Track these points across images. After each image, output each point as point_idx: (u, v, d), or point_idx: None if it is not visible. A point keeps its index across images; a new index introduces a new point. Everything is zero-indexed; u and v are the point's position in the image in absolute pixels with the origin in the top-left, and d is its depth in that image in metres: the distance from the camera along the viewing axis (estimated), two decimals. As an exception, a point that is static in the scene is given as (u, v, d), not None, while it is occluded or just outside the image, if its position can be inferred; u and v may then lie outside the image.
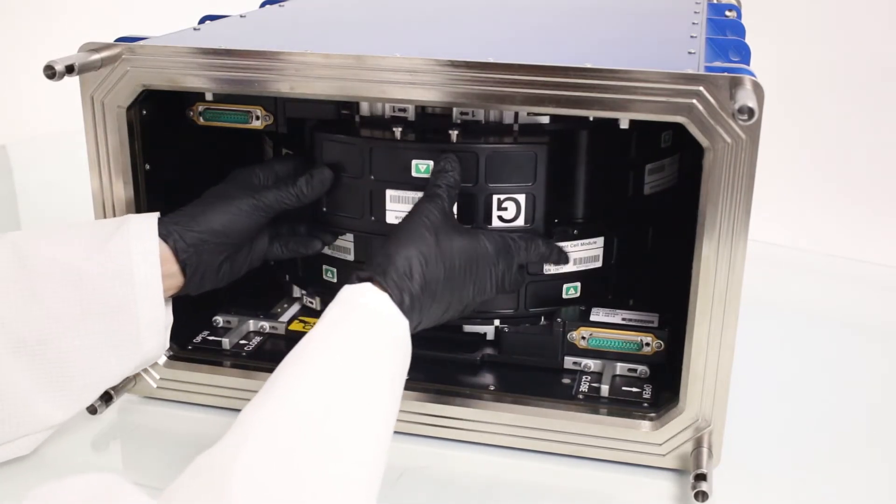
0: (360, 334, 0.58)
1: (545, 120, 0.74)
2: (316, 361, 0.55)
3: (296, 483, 0.47)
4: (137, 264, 0.65)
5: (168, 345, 0.70)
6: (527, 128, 0.74)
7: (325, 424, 0.51)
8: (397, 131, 0.74)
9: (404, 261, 0.63)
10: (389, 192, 0.75)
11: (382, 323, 0.60)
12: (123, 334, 0.65)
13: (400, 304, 0.61)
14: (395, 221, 0.73)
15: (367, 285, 0.61)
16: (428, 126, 0.75)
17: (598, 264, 0.79)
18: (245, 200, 0.72)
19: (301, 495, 0.47)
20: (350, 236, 0.79)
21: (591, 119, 0.74)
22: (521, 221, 0.75)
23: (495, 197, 0.74)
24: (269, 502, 0.46)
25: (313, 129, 0.77)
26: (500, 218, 0.74)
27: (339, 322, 0.59)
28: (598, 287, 0.80)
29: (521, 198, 0.74)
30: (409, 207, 0.71)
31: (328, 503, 0.48)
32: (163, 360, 0.77)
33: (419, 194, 0.71)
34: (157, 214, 0.69)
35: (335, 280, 0.82)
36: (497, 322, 0.80)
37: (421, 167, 0.73)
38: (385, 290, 0.61)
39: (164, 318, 0.67)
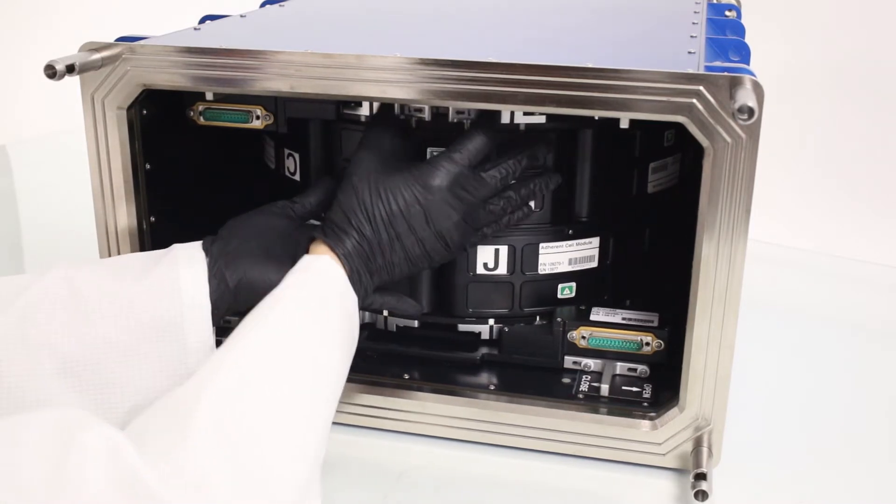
0: (314, 295, 0.64)
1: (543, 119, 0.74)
2: (273, 317, 0.60)
3: (258, 414, 0.52)
4: (185, 287, 0.66)
5: None
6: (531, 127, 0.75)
7: (284, 367, 0.56)
8: (413, 120, 0.74)
9: (335, 216, 0.68)
10: None
11: (329, 281, 0.65)
12: (171, 357, 0.65)
13: (345, 257, 0.67)
14: None
15: (325, 257, 0.66)
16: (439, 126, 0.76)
17: (594, 264, 0.79)
18: (265, 206, 0.75)
19: (263, 425, 0.52)
20: None
21: (596, 118, 0.74)
22: (532, 206, 0.76)
23: None
24: (232, 429, 0.50)
25: (339, 118, 0.77)
26: None
27: (296, 285, 0.64)
28: (594, 287, 0.80)
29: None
30: None
31: (287, 433, 0.53)
32: None
33: None
34: (199, 242, 0.69)
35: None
36: (492, 321, 0.80)
37: (435, 153, 0.74)
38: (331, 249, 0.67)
39: (211, 341, 0.67)
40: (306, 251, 0.69)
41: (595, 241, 0.78)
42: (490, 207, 0.71)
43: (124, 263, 0.68)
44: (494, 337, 0.80)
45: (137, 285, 0.65)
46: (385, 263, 0.68)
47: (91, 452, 0.44)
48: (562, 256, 0.78)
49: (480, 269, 0.78)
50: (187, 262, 0.67)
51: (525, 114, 0.73)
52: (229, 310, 0.69)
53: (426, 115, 0.75)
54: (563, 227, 0.77)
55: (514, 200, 0.72)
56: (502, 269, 0.77)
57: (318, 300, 0.63)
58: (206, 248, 0.69)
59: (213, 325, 0.68)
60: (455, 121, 0.74)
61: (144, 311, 0.64)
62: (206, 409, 0.50)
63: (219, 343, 0.73)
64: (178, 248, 0.68)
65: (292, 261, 0.70)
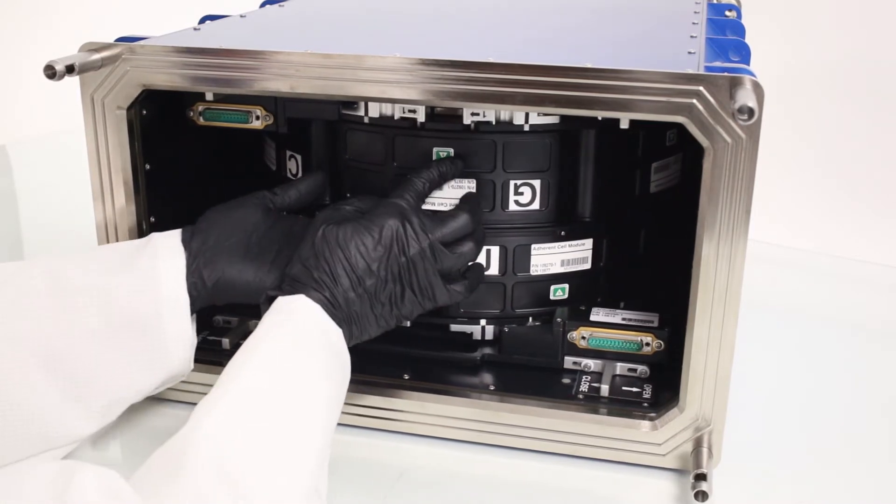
0: (295, 333, 0.63)
1: (554, 120, 0.74)
2: (256, 358, 0.60)
3: (251, 454, 0.52)
4: (164, 280, 0.66)
5: (192, 363, 0.70)
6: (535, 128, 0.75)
7: (272, 410, 0.56)
8: (419, 120, 0.74)
9: (294, 270, 0.67)
10: None
11: (306, 317, 0.64)
12: (151, 350, 0.66)
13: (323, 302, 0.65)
14: None
15: (300, 296, 0.65)
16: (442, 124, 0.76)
17: (587, 266, 0.79)
18: (246, 196, 0.75)
19: (256, 464, 0.52)
20: None
21: (600, 119, 0.74)
22: (536, 206, 0.76)
23: (512, 182, 0.75)
24: (226, 471, 0.50)
25: (340, 118, 0.77)
26: (517, 202, 0.76)
27: (276, 325, 0.63)
28: (588, 289, 0.80)
29: (537, 183, 0.75)
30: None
31: (281, 473, 0.53)
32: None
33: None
34: (179, 231, 0.70)
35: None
36: (483, 322, 0.80)
37: (441, 154, 0.74)
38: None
39: (190, 333, 0.68)
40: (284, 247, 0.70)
41: (588, 242, 0.78)
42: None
43: (104, 256, 0.68)
44: (487, 337, 0.80)
45: (117, 279, 0.65)
46: (352, 315, 0.66)
47: (90, 491, 0.45)
48: (554, 258, 0.78)
49: None
50: (166, 255, 0.67)
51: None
52: (206, 304, 0.70)
53: (420, 116, 0.75)
54: (556, 229, 0.77)
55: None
56: (494, 270, 0.77)
57: (298, 336, 0.63)
58: (185, 242, 0.69)
59: (192, 312, 0.68)
60: (470, 124, 0.74)
61: (124, 305, 0.65)
62: (202, 448, 0.51)
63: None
64: (157, 240, 0.68)
65: (270, 259, 0.70)
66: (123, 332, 0.65)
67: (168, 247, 0.68)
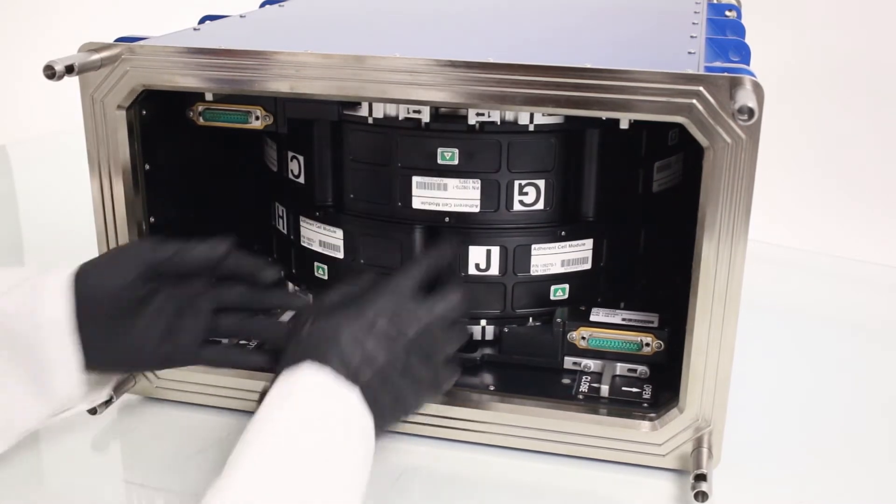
0: (311, 406, 0.57)
1: (559, 119, 0.74)
2: (272, 435, 0.55)
3: None
4: (44, 301, 0.62)
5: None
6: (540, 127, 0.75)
7: (291, 479, 0.53)
8: (423, 120, 0.74)
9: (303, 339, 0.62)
10: (416, 179, 0.76)
11: (316, 384, 0.58)
12: (34, 376, 0.63)
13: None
14: (422, 207, 0.76)
15: (305, 362, 0.59)
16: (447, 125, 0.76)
17: (588, 266, 0.79)
18: (130, 253, 0.68)
19: None
20: (339, 233, 0.79)
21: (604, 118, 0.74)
22: (540, 205, 0.76)
23: (517, 182, 0.75)
24: None
25: (340, 119, 0.76)
26: (522, 202, 0.76)
27: (287, 396, 0.58)
28: (588, 289, 0.80)
29: (541, 183, 0.75)
30: (434, 193, 0.75)
31: None
32: None
33: (444, 180, 0.74)
34: (75, 265, 0.65)
35: (326, 277, 0.82)
36: (484, 322, 0.80)
37: (446, 154, 0.74)
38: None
39: (76, 357, 0.63)
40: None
41: (588, 242, 0.78)
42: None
43: None
44: (487, 338, 0.80)
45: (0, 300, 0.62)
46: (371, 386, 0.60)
47: None
48: (554, 258, 0.78)
49: (472, 270, 0.78)
50: (49, 275, 0.63)
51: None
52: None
53: (425, 117, 0.75)
54: (557, 229, 0.77)
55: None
56: (494, 270, 0.77)
57: (308, 410, 0.57)
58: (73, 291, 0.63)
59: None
60: (475, 124, 0.74)
61: (2, 328, 0.62)
62: None
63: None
64: (51, 268, 0.64)
65: (155, 335, 0.65)
66: (6, 357, 0.62)
67: (54, 270, 0.64)
